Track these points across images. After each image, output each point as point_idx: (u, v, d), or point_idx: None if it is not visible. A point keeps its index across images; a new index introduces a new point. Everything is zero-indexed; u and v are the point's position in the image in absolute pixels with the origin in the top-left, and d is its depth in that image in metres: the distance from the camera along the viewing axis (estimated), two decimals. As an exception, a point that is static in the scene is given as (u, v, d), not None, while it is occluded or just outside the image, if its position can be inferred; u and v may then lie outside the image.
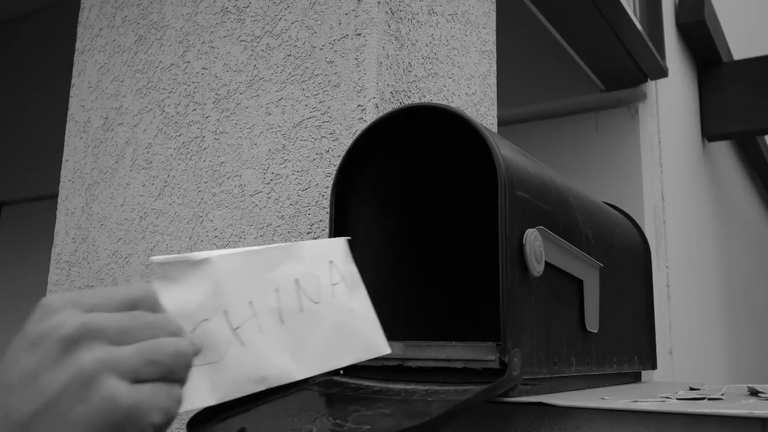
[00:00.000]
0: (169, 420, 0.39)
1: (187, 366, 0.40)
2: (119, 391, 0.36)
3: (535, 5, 2.26)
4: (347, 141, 0.90)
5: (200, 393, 0.44)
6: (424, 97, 0.99)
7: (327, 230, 0.86)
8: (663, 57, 2.87)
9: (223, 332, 0.47)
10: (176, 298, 0.44)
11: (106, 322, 0.38)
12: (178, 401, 0.39)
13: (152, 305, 0.41)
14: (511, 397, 0.63)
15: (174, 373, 0.39)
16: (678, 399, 0.62)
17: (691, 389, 0.75)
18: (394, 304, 0.81)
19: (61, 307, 0.38)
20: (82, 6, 1.37)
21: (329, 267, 0.57)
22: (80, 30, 1.36)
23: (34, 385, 0.36)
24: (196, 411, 0.63)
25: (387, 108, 0.91)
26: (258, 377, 0.48)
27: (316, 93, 0.96)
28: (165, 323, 0.40)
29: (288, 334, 0.51)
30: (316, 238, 0.90)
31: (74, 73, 1.35)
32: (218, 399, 0.45)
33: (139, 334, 0.39)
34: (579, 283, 0.78)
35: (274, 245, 0.53)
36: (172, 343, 0.39)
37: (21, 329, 0.38)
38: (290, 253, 0.54)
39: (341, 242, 0.57)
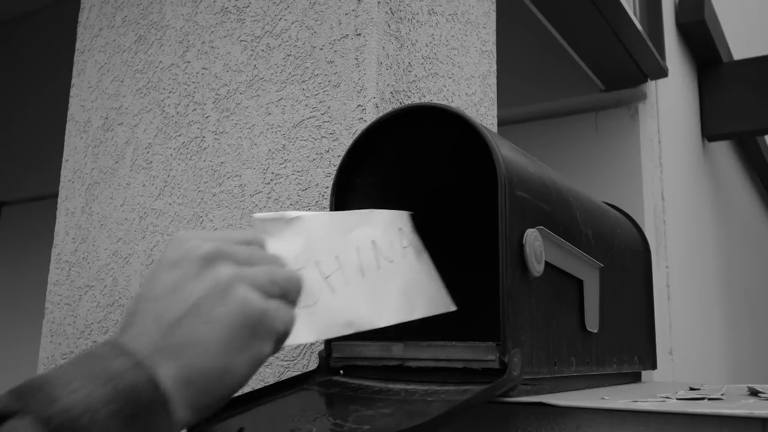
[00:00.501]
0: (286, 335, 0.46)
1: (298, 291, 0.47)
2: (253, 296, 0.43)
3: (535, 5, 2.26)
4: (347, 141, 0.90)
5: (300, 331, 0.49)
6: (424, 97, 0.99)
7: (327, 230, 0.86)
8: (663, 57, 2.87)
9: (315, 280, 0.53)
10: (275, 249, 0.51)
11: (233, 249, 0.45)
12: (293, 320, 0.46)
13: (262, 246, 0.49)
14: (511, 397, 0.63)
15: (289, 295, 0.46)
16: (678, 399, 0.62)
17: (691, 389, 0.75)
18: (394, 304, 0.81)
19: (193, 238, 0.45)
20: (82, 6, 1.37)
21: (399, 233, 0.63)
22: (80, 30, 1.36)
23: (179, 294, 0.42)
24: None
25: (387, 108, 0.91)
26: (347, 321, 0.55)
27: (316, 93, 0.96)
28: (275, 258, 0.48)
29: (369, 287, 0.57)
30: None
31: (74, 73, 1.35)
32: (315, 338, 0.52)
33: (259, 261, 0.46)
34: (579, 283, 0.78)
35: (350, 211, 0.60)
36: (286, 270, 0.47)
37: (158, 260, 0.45)
38: (365, 219, 0.60)
39: (406, 214, 0.64)
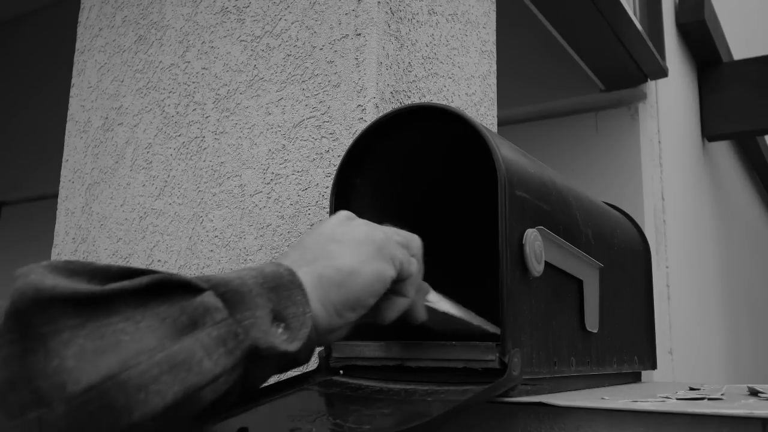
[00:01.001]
0: (406, 273, 0.57)
1: (418, 247, 0.60)
2: (377, 231, 0.56)
3: (535, 5, 2.26)
4: (347, 141, 0.90)
5: (443, 304, 0.66)
6: (424, 97, 0.99)
7: (327, 230, 0.86)
8: (663, 57, 2.87)
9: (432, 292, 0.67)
10: None
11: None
12: (411, 263, 0.58)
13: None
14: (511, 397, 0.63)
15: (410, 248, 0.59)
16: (678, 399, 0.62)
17: (691, 389, 0.75)
18: (394, 304, 0.81)
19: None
20: (82, 6, 1.37)
21: None
22: (80, 30, 1.36)
23: (320, 231, 0.55)
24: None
25: (387, 108, 0.91)
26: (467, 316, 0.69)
27: (316, 93, 0.96)
28: None
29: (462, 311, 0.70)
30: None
31: (74, 73, 1.35)
32: (453, 311, 0.67)
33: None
34: (579, 283, 0.78)
35: None
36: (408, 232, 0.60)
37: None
38: None
39: None
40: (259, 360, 0.43)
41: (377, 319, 0.57)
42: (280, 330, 0.45)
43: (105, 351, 0.35)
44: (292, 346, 0.45)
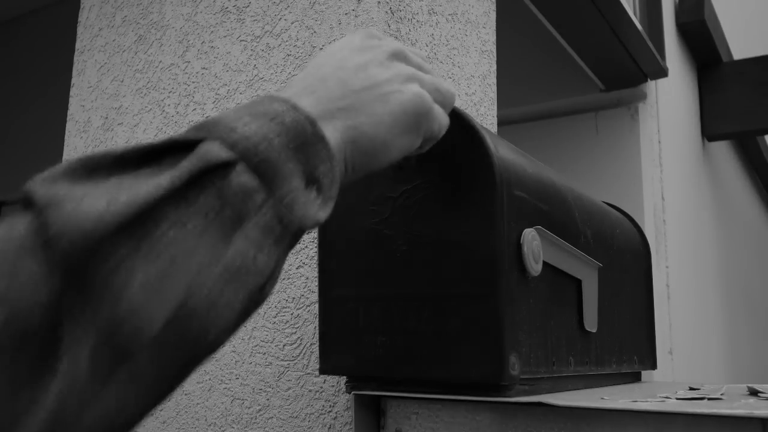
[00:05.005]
0: (435, 139, 0.52)
1: (452, 104, 0.53)
2: (426, 95, 0.49)
3: (535, 5, 2.26)
4: (347, 141, 0.90)
5: None
6: (424, 97, 0.99)
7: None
8: (663, 57, 2.87)
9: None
10: None
11: (411, 54, 0.52)
12: (447, 125, 0.53)
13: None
14: (509, 397, 0.63)
15: (446, 107, 0.52)
16: (678, 399, 0.62)
17: (691, 389, 0.75)
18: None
19: (381, 35, 0.52)
20: (82, 6, 1.37)
21: None
22: (80, 30, 1.36)
23: (366, 72, 0.47)
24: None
25: (386, 108, 0.91)
26: None
27: (315, 93, 0.96)
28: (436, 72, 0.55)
29: None
30: (315, 237, 0.90)
31: (74, 73, 1.35)
32: None
33: (428, 71, 0.52)
34: (578, 282, 0.78)
35: None
36: (447, 82, 0.54)
37: (341, 42, 0.50)
38: None
39: None
40: (300, 235, 0.39)
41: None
42: (313, 195, 0.40)
43: (165, 275, 0.32)
44: (326, 211, 0.41)
